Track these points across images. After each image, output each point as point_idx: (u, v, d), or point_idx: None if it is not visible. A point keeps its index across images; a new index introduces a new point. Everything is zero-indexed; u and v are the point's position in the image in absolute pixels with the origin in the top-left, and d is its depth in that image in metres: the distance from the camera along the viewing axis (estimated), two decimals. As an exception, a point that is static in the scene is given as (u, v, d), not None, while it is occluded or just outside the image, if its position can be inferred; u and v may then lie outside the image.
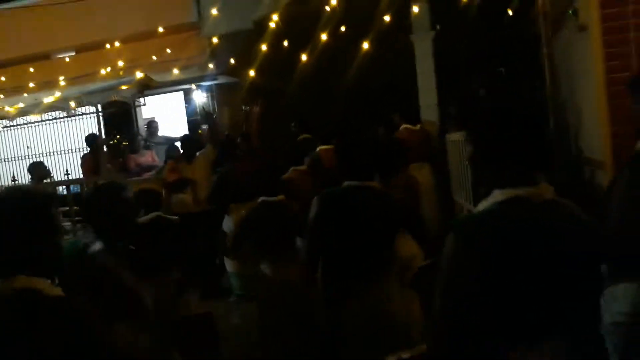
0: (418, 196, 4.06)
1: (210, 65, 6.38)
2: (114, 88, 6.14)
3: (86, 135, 7.16)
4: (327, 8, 4.96)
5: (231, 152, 5.71)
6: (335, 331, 2.61)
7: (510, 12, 5.95)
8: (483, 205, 1.41)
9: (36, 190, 1.63)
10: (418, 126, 5.85)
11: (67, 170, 5.42)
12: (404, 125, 5.57)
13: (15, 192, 1.58)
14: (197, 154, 5.77)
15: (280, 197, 3.58)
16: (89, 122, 7.72)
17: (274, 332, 3.42)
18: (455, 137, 5.17)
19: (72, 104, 6.22)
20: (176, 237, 3.44)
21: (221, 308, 4.52)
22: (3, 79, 6.83)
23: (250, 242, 3.63)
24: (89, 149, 6.87)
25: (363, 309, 2.53)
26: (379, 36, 6.61)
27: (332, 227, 2.61)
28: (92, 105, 6.22)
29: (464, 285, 1.34)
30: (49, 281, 1.47)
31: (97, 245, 2.41)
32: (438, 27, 6.71)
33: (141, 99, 6.46)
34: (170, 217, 3.65)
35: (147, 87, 6.24)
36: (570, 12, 5.50)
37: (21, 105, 6.51)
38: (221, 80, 7.33)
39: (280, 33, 6.27)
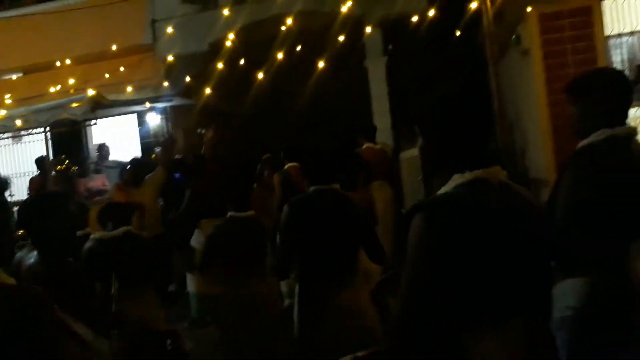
0: (375, 216, 4.13)
1: (165, 84, 6.31)
2: (63, 106, 5.96)
3: (35, 158, 6.90)
4: (283, 28, 5.04)
5: (186, 174, 5.62)
6: (310, 335, 2.59)
7: (458, 35, 6.22)
8: (444, 189, 1.43)
9: None
10: (379, 146, 5.96)
11: (11, 193, 5.19)
12: (366, 145, 5.66)
13: None
14: (146, 177, 5.64)
15: (250, 212, 3.54)
16: (36, 144, 7.45)
17: (236, 353, 3.35)
18: (409, 154, 5.31)
19: (19, 122, 5.98)
20: (147, 253, 3.33)
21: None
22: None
23: (219, 258, 3.55)
24: (38, 171, 6.61)
25: (337, 310, 2.57)
26: (334, 60, 6.78)
27: (302, 230, 2.70)
28: (40, 124, 6.00)
29: (429, 264, 1.35)
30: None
31: (33, 258, 2.29)
32: (390, 47, 6.90)
33: (92, 119, 6.28)
34: (140, 233, 3.54)
35: (99, 105, 6.10)
36: (514, 38, 5.85)
37: (-36, 123, 6.25)
38: (176, 102, 7.28)
39: (236, 55, 6.32)
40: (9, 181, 1.79)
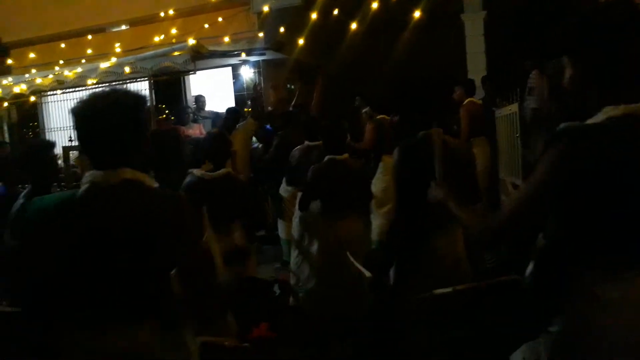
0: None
1: (260, 35, 6.43)
2: (166, 54, 6.29)
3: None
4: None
5: (276, 126, 5.79)
6: (405, 277, 2.63)
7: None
8: (592, 120, 1.34)
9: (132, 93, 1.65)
10: (479, 101, 5.79)
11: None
12: (469, 99, 5.50)
13: (115, 93, 1.60)
14: (238, 125, 5.87)
15: (345, 155, 3.64)
16: (141, 93, 7.94)
17: (325, 289, 3.47)
18: (506, 110, 5.08)
19: (127, 69, 6.39)
20: (243, 195, 3.50)
21: (266, 273, 4.64)
22: (63, 45, 7.10)
23: (318, 198, 3.68)
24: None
25: (433, 254, 2.57)
26: (429, 12, 6.54)
27: (410, 174, 2.67)
28: (145, 72, 6.37)
29: (555, 189, 1.29)
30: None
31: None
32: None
33: (192, 69, 6.57)
34: (237, 176, 3.73)
35: (198, 55, 6.36)
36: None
37: (79, 70, 6.76)
38: (269, 55, 7.41)
39: (329, 7, 6.28)
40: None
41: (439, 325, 1.92)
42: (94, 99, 1.55)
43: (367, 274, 2.85)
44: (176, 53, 6.18)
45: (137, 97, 1.58)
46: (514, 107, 4.86)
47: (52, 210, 1.48)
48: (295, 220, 4.03)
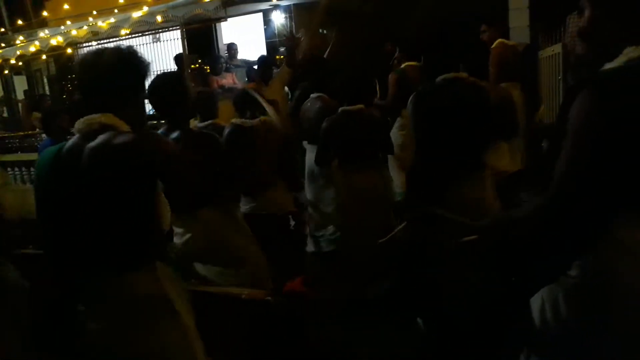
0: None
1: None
2: (197, 1, 6.20)
3: (173, 56, 7.39)
4: None
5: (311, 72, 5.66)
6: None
7: None
8: (612, 64, 1.30)
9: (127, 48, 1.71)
10: (512, 42, 5.46)
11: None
12: (499, 40, 5.21)
13: (107, 49, 1.71)
14: (273, 74, 5.78)
15: (360, 105, 3.54)
16: (173, 43, 7.92)
17: (354, 234, 3.48)
18: (549, 52, 4.83)
19: (159, 18, 6.36)
20: (280, 143, 3.50)
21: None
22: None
23: (333, 151, 3.65)
24: (176, 69, 7.08)
25: (459, 198, 2.54)
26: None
27: (430, 119, 2.66)
28: (177, 20, 6.32)
29: (595, 145, 1.24)
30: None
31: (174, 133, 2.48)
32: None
33: (223, 16, 6.47)
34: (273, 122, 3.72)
35: (230, 1, 6.25)
36: None
37: (112, 20, 6.77)
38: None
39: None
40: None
41: (469, 269, 1.91)
42: (89, 54, 1.69)
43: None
44: (207, 0, 6.09)
45: (129, 54, 1.70)
46: (557, 48, 4.61)
47: (45, 160, 1.62)
48: (315, 175, 4.01)
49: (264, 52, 8.13)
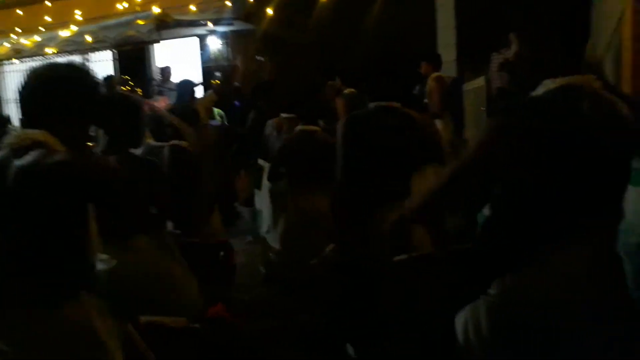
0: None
1: (228, 3, 6.26)
2: (130, 23, 6.08)
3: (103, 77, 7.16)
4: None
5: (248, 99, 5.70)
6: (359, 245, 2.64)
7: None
8: (535, 93, 1.40)
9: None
10: (446, 76, 5.78)
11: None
12: (436, 74, 5.49)
13: (51, 65, 1.67)
14: (198, 99, 5.76)
15: (316, 127, 3.59)
16: (104, 64, 7.69)
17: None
18: (474, 84, 5.11)
19: (89, 38, 6.16)
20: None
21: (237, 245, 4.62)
22: (20, 12, 6.77)
23: (285, 170, 3.64)
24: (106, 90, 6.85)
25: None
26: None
27: (360, 145, 2.68)
28: (108, 41, 6.15)
29: (490, 162, 1.33)
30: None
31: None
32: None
33: (157, 39, 6.37)
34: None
35: (164, 24, 6.17)
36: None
37: (38, 39, 6.48)
38: (237, 26, 7.24)
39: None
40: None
41: (396, 292, 1.95)
42: (39, 67, 1.61)
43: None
44: (140, 22, 5.98)
45: (72, 69, 1.64)
46: (481, 81, 4.89)
47: None
48: (265, 191, 4.01)
49: (200, 77, 8.07)
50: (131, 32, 6.02)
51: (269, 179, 3.78)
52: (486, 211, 1.46)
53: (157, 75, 8.03)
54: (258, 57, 7.73)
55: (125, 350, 1.56)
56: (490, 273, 1.40)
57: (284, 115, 4.36)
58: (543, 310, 1.33)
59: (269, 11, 5.88)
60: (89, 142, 1.78)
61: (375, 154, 2.63)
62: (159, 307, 2.07)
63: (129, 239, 2.32)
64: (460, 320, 1.48)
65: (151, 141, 3.61)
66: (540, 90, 1.39)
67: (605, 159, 1.34)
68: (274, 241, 3.77)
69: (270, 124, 4.49)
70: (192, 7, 5.97)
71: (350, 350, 2.61)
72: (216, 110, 6.15)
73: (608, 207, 1.40)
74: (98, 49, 6.49)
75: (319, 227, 3.41)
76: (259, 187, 5.16)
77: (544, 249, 1.33)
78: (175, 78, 7.88)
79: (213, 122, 6.23)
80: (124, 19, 6.22)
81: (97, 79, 1.72)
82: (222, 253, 3.66)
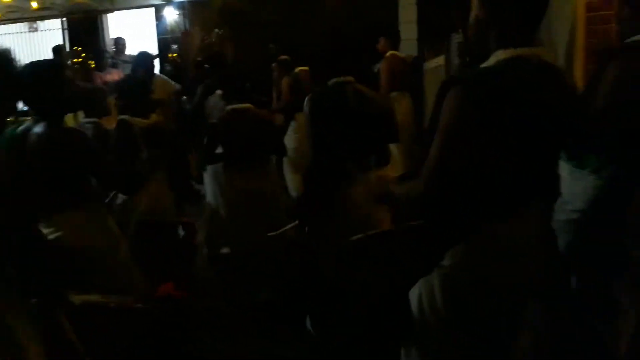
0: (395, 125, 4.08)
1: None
2: (78, -11, 5.76)
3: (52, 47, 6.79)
4: None
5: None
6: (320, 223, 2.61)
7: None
8: (484, 64, 1.40)
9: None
10: (403, 55, 5.71)
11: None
12: (391, 52, 5.41)
13: None
14: (156, 74, 5.57)
15: (247, 105, 3.47)
16: (53, 34, 7.30)
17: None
18: (434, 63, 5.11)
19: (34, 4, 5.80)
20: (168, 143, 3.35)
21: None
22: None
23: (220, 149, 3.54)
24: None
25: (347, 202, 2.57)
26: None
27: (324, 122, 2.65)
28: (56, 8, 5.80)
29: (461, 137, 1.33)
30: None
31: (39, 128, 2.24)
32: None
33: (109, 9, 6.06)
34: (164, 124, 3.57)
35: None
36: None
37: (-24, 3, 6.07)
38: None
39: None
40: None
41: (353, 270, 1.93)
42: None
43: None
44: (90, -12, 5.67)
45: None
46: (440, 60, 4.89)
47: None
48: (206, 173, 3.91)
49: (155, 48, 7.79)
50: (81, 0, 5.69)
51: (206, 162, 3.67)
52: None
53: (110, 47, 7.70)
54: (216, 30, 7.52)
55: (50, 338, 1.45)
56: (443, 245, 1.40)
57: (218, 91, 4.23)
58: (488, 281, 1.36)
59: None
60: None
61: (337, 130, 2.61)
62: (94, 285, 1.98)
63: (60, 213, 2.20)
64: (414, 292, 1.48)
65: (81, 117, 3.48)
66: (491, 61, 1.38)
67: (550, 132, 1.36)
68: (217, 222, 3.69)
69: (214, 97, 4.33)
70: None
71: (308, 323, 2.60)
72: (173, 83, 5.98)
73: (550, 181, 1.45)
74: (46, 17, 6.12)
75: (256, 206, 3.36)
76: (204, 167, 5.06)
77: (491, 221, 1.36)
78: (129, 50, 7.58)
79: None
80: (72, -16, 5.89)
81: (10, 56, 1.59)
82: (182, 232, 3.59)
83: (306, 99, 2.71)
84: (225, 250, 3.60)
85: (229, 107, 3.48)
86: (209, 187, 3.84)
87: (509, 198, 1.36)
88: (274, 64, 5.50)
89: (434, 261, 1.42)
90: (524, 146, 1.33)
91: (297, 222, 2.92)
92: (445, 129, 1.34)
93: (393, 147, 3.76)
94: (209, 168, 3.84)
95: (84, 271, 2.01)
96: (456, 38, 5.11)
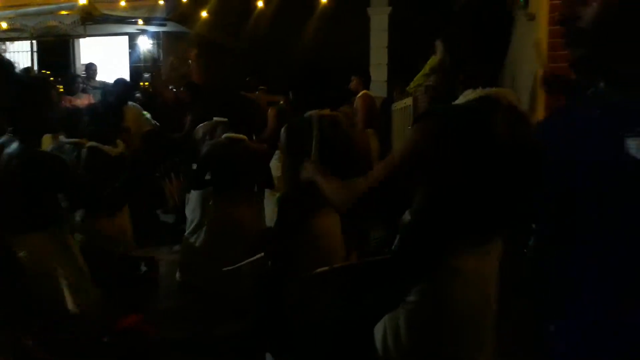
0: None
1: (161, 2, 6.05)
2: (52, 12, 5.69)
3: (20, 69, 6.68)
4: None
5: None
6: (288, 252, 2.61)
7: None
8: (456, 102, 1.44)
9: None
10: (373, 93, 5.89)
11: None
12: (364, 91, 5.58)
13: None
14: (129, 103, 5.55)
15: (242, 136, 3.51)
16: (22, 56, 7.20)
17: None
18: (402, 104, 5.26)
19: (4, 24, 5.71)
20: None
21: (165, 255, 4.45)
22: None
23: (210, 177, 3.54)
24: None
25: (313, 232, 2.56)
26: (337, 3, 6.58)
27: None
28: (26, 30, 5.72)
29: (416, 164, 1.35)
30: None
31: (13, 146, 2.20)
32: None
33: (82, 33, 6.02)
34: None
35: (89, 17, 5.84)
36: (521, 1, 5.71)
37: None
38: (170, 28, 7.03)
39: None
40: None
41: (318, 303, 1.92)
42: None
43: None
44: (64, 12, 5.61)
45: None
46: (408, 101, 5.05)
47: None
48: (191, 198, 3.88)
49: (127, 76, 7.76)
50: (53, 23, 5.61)
51: (193, 187, 3.66)
52: (407, 217, 1.46)
53: (81, 72, 7.64)
54: (190, 61, 7.57)
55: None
56: (409, 280, 1.41)
57: (216, 119, 4.27)
58: (454, 317, 1.36)
59: (204, 14, 5.74)
60: None
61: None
62: (51, 311, 1.91)
63: (23, 236, 2.14)
64: (379, 329, 1.48)
65: (62, 138, 3.42)
66: (461, 100, 1.43)
67: (516, 169, 1.39)
68: (195, 247, 3.65)
69: (201, 127, 4.37)
70: (123, 3, 5.70)
71: (269, 358, 2.56)
72: (144, 113, 5.95)
73: (517, 215, 1.45)
74: (15, 39, 6.02)
75: (241, 237, 3.34)
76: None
77: (456, 255, 1.37)
78: (101, 76, 7.54)
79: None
80: (46, 7, 5.80)
81: None
82: (144, 267, 3.51)
83: (282, 128, 2.74)
84: (196, 278, 3.54)
85: (225, 135, 3.51)
86: (192, 212, 3.81)
87: (474, 233, 1.38)
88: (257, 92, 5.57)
89: (400, 296, 1.42)
90: (490, 182, 1.36)
91: (261, 254, 2.90)
92: (406, 153, 1.37)
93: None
94: (197, 193, 3.82)
95: (43, 296, 1.94)
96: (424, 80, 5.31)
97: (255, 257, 3.01)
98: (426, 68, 5.23)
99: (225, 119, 3.90)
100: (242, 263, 2.87)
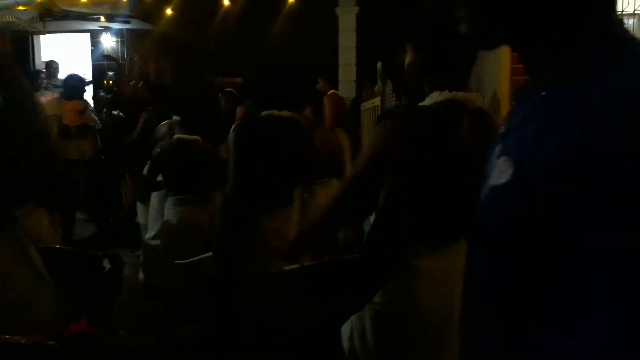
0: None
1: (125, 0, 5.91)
2: (8, 8, 5.47)
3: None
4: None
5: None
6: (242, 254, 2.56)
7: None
8: (422, 103, 1.45)
9: None
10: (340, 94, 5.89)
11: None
12: (333, 91, 5.58)
13: None
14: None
15: (197, 137, 3.42)
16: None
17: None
18: (370, 104, 5.27)
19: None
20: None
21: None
22: None
23: (163, 179, 3.45)
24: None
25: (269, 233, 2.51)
26: (305, 2, 6.55)
27: (250, 153, 2.60)
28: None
29: (383, 167, 1.35)
30: None
31: None
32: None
33: (41, 30, 5.81)
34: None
35: (49, 13, 5.64)
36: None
37: None
38: (134, 25, 6.86)
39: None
40: None
41: (284, 302, 1.89)
42: None
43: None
44: (21, 8, 5.41)
45: None
46: (377, 101, 5.06)
47: None
48: (152, 199, 3.81)
49: (90, 74, 7.56)
50: (10, 19, 5.41)
51: (147, 189, 3.58)
52: (373, 217, 1.45)
53: (42, 70, 7.40)
54: (154, 58, 7.40)
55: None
56: (374, 281, 1.40)
57: (175, 118, 4.17)
58: (419, 318, 1.36)
59: (169, 12, 5.62)
60: None
61: (263, 161, 2.57)
62: (8, 320, 1.81)
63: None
64: (345, 329, 1.47)
65: None
66: (427, 102, 1.43)
67: (479, 172, 1.40)
68: (156, 248, 3.58)
69: (163, 126, 4.26)
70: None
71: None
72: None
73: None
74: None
75: (192, 237, 3.28)
76: (142, 200, 4.89)
77: (420, 256, 1.37)
78: (63, 74, 7.32)
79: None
80: (1, 2, 5.59)
81: None
82: (108, 265, 3.39)
83: (232, 128, 2.66)
84: (158, 279, 3.48)
85: (176, 136, 3.42)
86: (154, 212, 3.74)
87: (437, 234, 1.38)
88: (220, 95, 5.49)
89: (366, 297, 1.41)
90: (451, 184, 1.36)
91: (210, 254, 2.85)
92: (371, 155, 1.37)
93: (336, 182, 3.82)
94: (156, 195, 3.72)
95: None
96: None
97: (205, 255, 2.95)
98: (379, 72, 5.31)
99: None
100: (193, 259, 2.81)
